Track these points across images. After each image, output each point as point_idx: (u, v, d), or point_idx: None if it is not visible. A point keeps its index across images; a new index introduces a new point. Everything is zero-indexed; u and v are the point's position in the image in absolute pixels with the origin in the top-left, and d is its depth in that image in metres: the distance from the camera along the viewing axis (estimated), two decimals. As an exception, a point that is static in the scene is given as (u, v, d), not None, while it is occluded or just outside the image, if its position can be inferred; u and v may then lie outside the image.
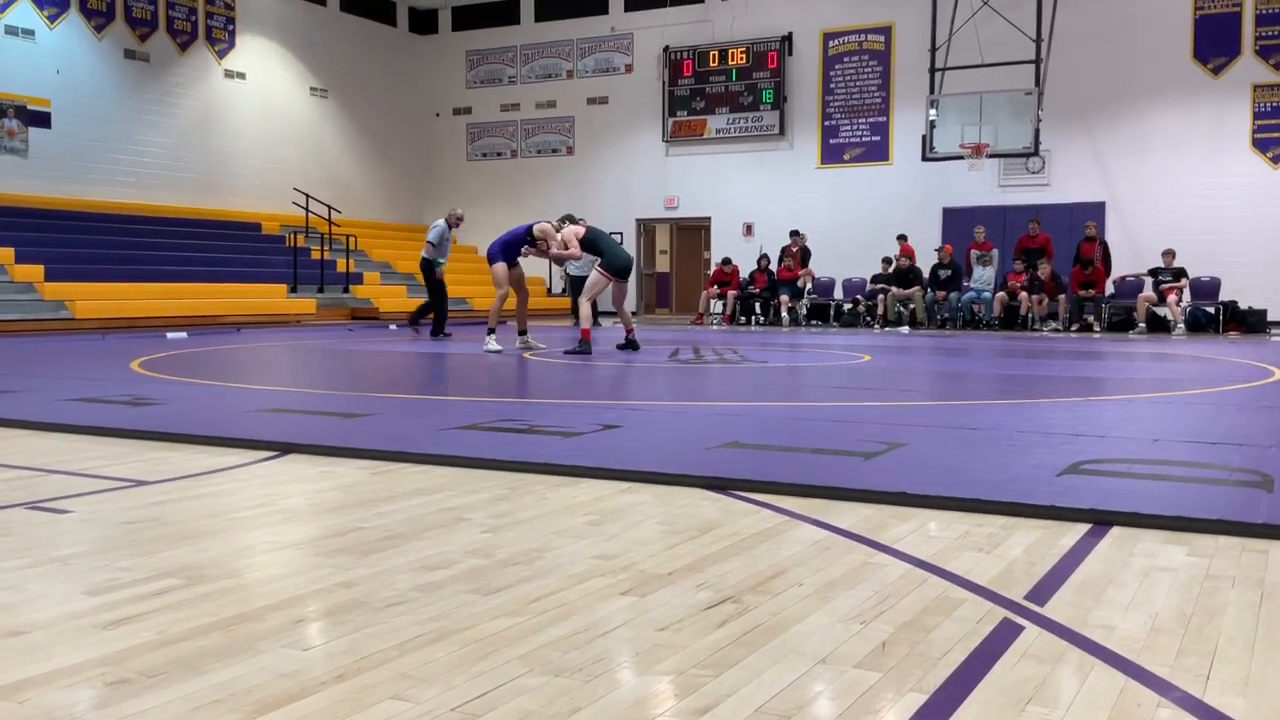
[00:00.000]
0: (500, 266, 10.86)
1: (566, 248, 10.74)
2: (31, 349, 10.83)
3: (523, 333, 11.32)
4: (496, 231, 25.82)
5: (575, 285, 18.65)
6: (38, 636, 2.17)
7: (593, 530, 3.12)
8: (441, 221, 13.95)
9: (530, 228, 10.88)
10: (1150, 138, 18.36)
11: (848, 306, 18.87)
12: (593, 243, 10.82)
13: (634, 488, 3.74)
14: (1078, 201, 18.69)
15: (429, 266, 13.72)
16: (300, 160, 22.02)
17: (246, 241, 19.77)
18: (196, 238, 18.73)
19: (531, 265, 23.40)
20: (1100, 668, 2.01)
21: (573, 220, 11.24)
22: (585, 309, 10.77)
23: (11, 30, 17.25)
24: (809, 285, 19.35)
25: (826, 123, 20.89)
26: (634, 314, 22.14)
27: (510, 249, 10.87)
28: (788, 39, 21.09)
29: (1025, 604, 2.41)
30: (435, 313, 13.90)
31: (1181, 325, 16.12)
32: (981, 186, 19.26)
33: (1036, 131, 16.81)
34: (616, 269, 10.59)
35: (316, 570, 2.70)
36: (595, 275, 10.65)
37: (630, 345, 10.78)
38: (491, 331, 10.91)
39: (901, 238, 18.56)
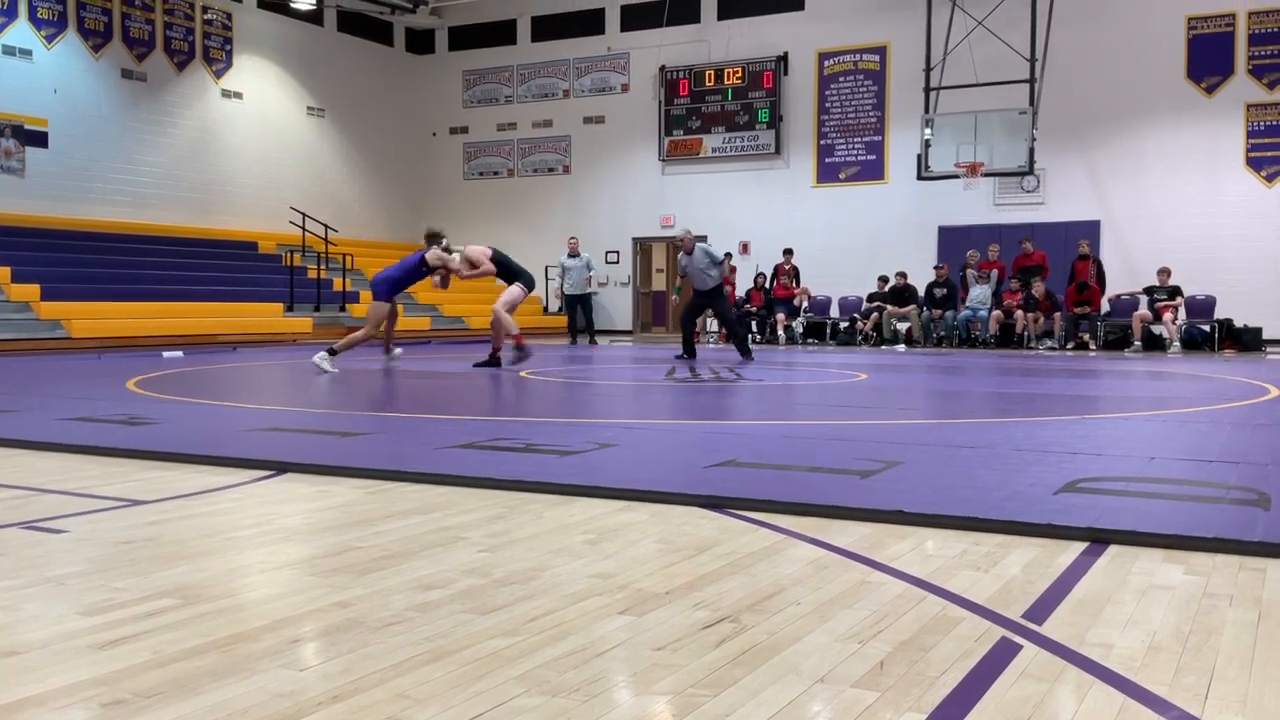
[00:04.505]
0: (381, 307, 10.68)
1: (475, 267, 10.76)
2: (27, 368, 10.81)
3: (388, 350, 11.38)
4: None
5: (570, 304, 18.68)
6: (33, 657, 2.16)
7: (590, 549, 3.11)
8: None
9: (421, 258, 10.73)
10: (1145, 156, 18.43)
11: (844, 325, 18.90)
12: (505, 265, 11.00)
13: (631, 506, 3.74)
14: (1073, 220, 18.74)
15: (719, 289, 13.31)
16: (297, 179, 22.06)
17: (243, 260, 19.79)
18: (193, 257, 18.74)
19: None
20: (1098, 686, 2.01)
21: (439, 237, 11.04)
22: (508, 320, 10.89)
23: (9, 50, 17.30)
24: (805, 303, 19.40)
25: (822, 142, 20.96)
26: (630, 332, 22.23)
27: (399, 286, 10.75)
28: (783, 59, 21.18)
29: (1023, 623, 2.40)
30: (736, 335, 13.67)
31: (1177, 343, 16.14)
32: (977, 205, 19.33)
33: (1031, 150, 16.88)
34: (530, 284, 11.09)
35: (313, 590, 2.69)
36: (518, 291, 10.89)
37: (493, 363, 10.95)
38: (334, 353, 10.42)
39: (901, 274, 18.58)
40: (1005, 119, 17.02)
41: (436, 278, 10.91)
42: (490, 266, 10.83)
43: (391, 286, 10.72)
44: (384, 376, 10.10)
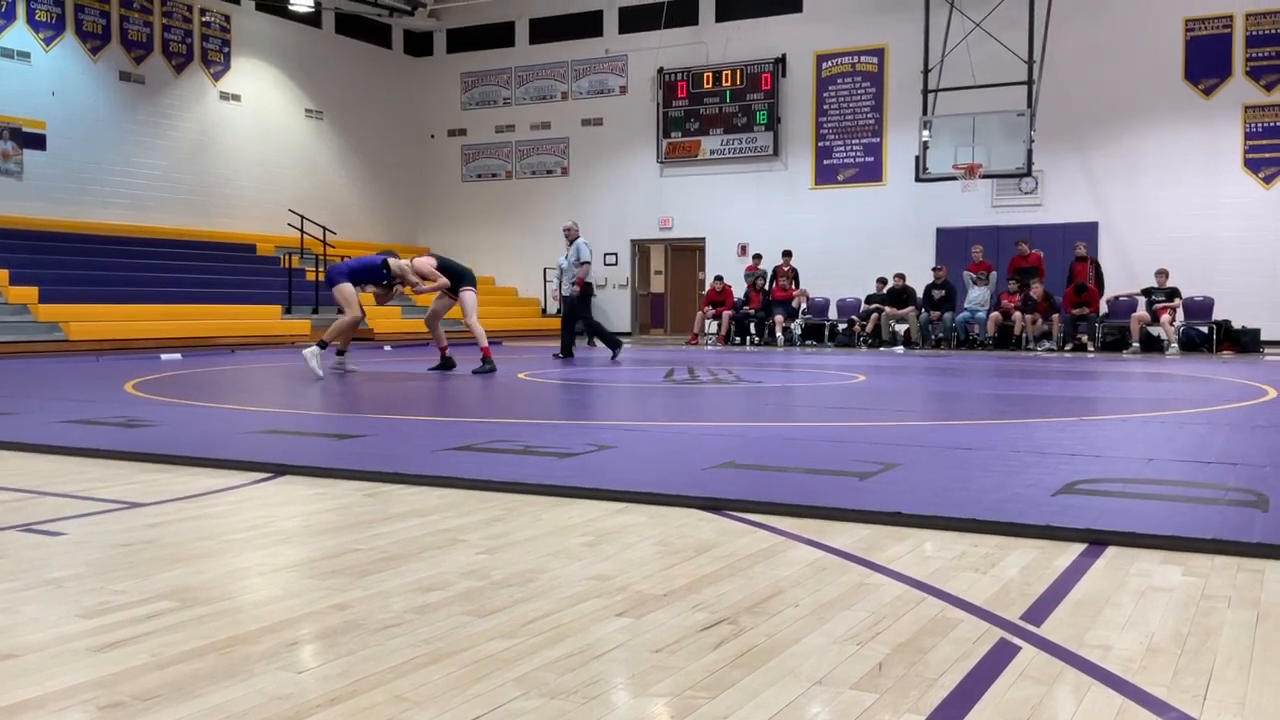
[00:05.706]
0: (349, 287, 10.44)
1: (425, 279, 10.75)
2: (26, 371, 10.80)
3: (341, 353, 10.85)
4: (491, 254, 25.54)
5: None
6: (31, 659, 2.15)
7: (588, 551, 3.11)
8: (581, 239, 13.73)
9: (384, 260, 10.69)
10: (1143, 158, 18.45)
11: (842, 326, 18.91)
12: (449, 270, 10.99)
13: (629, 508, 3.74)
14: (1071, 222, 18.75)
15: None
16: (295, 182, 22.05)
17: (241, 263, 19.78)
18: (191, 259, 18.74)
19: (529, 287, 23.57)
20: (1097, 688, 2.01)
21: (395, 256, 11.16)
22: (479, 328, 10.93)
23: (7, 52, 17.30)
24: (803, 305, 19.39)
25: (820, 144, 20.97)
26: (628, 334, 22.22)
27: (359, 275, 10.63)
28: (781, 61, 21.19)
29: (1022, 624, 2.40)
30: (603, 334, 13.86)
31: (1175, 345, 16.16)
32: (975, 207, 19.34)
33: (1029, 152, 16.90)
34: (472, 281, 11.14)
35: (311, 592, 2.69)
36: (472, 296, 10.94)
37: (447, 365, 10.98)
38: (324, 345, 10.30)
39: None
40: (1003, 121, 17.04)
41: (384, 288, 10.86)
42: (444, 280, 10.82)
43: (350, 272, 10.56)
44: (371, 381, 10.09)
